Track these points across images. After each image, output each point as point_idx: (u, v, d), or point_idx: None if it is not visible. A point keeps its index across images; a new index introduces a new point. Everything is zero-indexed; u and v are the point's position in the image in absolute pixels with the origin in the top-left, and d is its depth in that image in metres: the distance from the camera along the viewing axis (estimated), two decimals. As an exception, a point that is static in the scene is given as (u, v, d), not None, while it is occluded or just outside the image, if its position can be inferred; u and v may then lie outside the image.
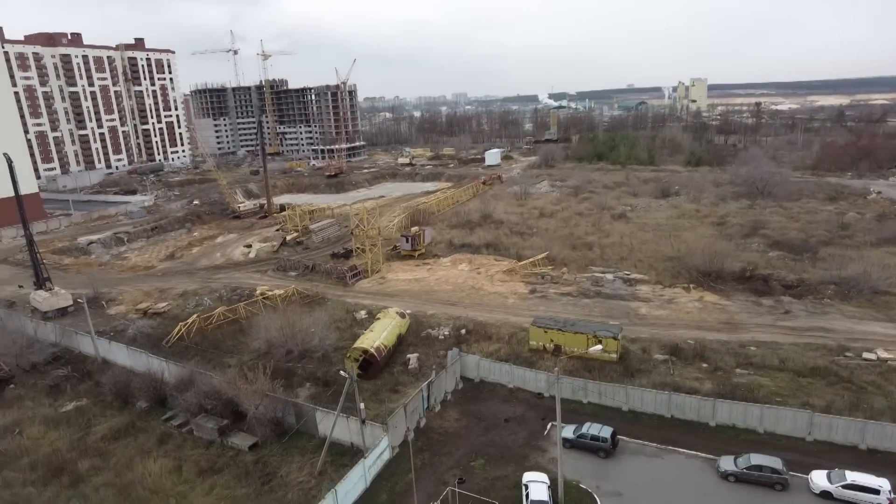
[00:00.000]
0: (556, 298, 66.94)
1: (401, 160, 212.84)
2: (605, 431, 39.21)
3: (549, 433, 41.59)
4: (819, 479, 34.58)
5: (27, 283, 76.84)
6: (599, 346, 44.32)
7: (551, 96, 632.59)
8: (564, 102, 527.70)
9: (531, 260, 78.41)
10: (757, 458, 35.80)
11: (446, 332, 57.77)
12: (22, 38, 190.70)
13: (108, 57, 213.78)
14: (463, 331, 57.74)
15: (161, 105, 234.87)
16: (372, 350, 50.46)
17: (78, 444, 42.96)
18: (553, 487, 34.68)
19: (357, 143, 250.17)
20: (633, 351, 51.73)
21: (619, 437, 39.92)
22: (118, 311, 69.63)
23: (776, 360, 48.88)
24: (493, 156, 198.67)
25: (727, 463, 36.37)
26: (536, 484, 34.58)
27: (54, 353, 58.54)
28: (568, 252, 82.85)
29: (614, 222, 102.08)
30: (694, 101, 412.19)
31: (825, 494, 33.90)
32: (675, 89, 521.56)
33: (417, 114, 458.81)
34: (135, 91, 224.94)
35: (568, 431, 39.58)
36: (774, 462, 35.43)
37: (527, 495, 33.85)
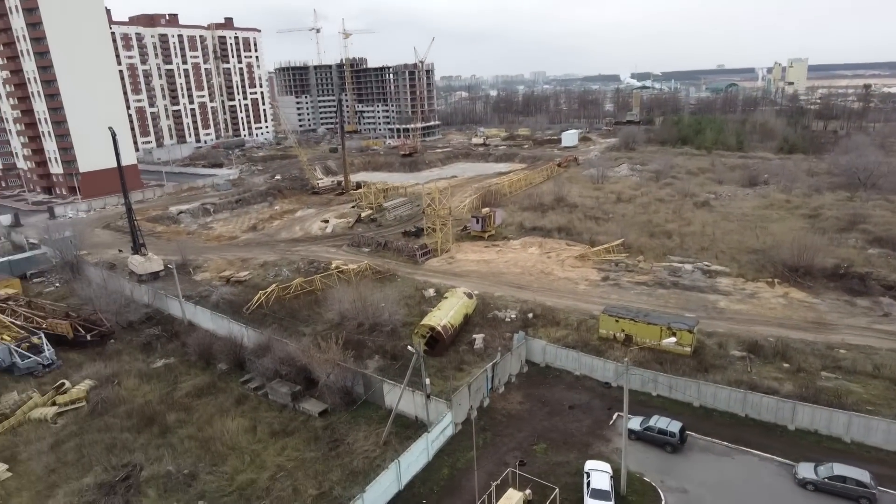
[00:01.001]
0: (629, 287, 65.09)
1: (474, 140, 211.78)
2: (674, 426, 37.98)
3: (615, 423, 40.82)
4: (911, 495, 32.07)
5: (126, 247, 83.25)
6: (673, 339, 42.93)
7: (634, 76, 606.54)
8: (648, 83, 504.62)
9: (605, 246, 76.42)
10: (841, 469, 33.52)
11: (513, 315, 57.62)
12: (127, 20, 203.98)
13: (200, 36, 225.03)
14: (530, 315, 57.37)
15: (247, 82, 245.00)
16: (439, 328, 51.18)
17: (166, 398, 46.49)
18: (615, 478, 34.12)
19: (432, 123, 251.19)
20: (708, 345, 49.62)
21: (687, 432, 38.57)
22: (203, 278, 74.14)
23: (869, 366, 45.41)
24: (570, 137, 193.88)
25: (806, 470, 34.33)
26: (598, 473, 34.10)
27: (147, 314, 63.33)
28: (645, 239, 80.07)
29: (696, 210, 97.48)
30: (791, 83, 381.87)
31: (917, 512, 31.43)
32: (770, 70, 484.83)
33: (494, 93, 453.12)
34: (223, 68, 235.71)
35: (634, 423, 38.67)
36: (861, 475, 33.01)
37: (588, 483, 33.47)
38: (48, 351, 53.43)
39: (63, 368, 52.69)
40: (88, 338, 56.90)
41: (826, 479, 33.26)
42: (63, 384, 48.78)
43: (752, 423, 40.14)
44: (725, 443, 38.15)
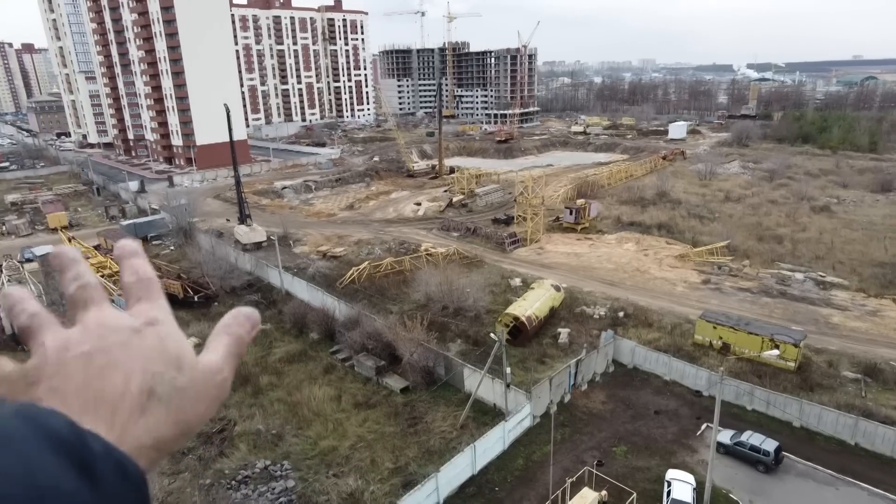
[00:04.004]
0: (731, 293, 61.08)
1: (574, 128, 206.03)
2: (769, 444, 35.34)
3: (703, 434, 38.62)
4: None
5: (233, 217, 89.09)
6: (776, 352, 39.97)
7: (753, 66, 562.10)
8: (769, 74, 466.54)
9: (709, 247, 71.98)
10: (967, 514, 29.89)
11: (602, 312, 55.85)
12: (244, 2, 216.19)
13: (310, 18, 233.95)
14: (621, 313, 55.33)
15: (352, 64, 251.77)
16: (523, 318, 50.61)
17: (261, 361, 49.43)
18: (699, 491, 32.37)
19: (531, 109, 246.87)
20: (816, 363, 45.65)
21: (784, 453, 35.80)
22: (302, 251, 77.85)
23: None
24: (678, 129, 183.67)
25: (924, 511, 30.91)
26: (680, 483, 32.50)
27: (249, 281, 67.51)
28: (753, 243, 74.62)
29: (814, 215, 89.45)
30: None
31: None
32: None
33: (598, 80, 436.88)
34: (330, 50, 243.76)
35: (725, 436, 36.37)
36: None
37: (668, 493, 32.02)
38: (163, 308, 58.26)
39: (174, 325, 57.37)
40: (196, 299, 61.56)
41: (948, 525, 29.77)
42: (173, 339, 53.18)
43: (862, 453, 36.54)
44: (829, 471, 35.03)
